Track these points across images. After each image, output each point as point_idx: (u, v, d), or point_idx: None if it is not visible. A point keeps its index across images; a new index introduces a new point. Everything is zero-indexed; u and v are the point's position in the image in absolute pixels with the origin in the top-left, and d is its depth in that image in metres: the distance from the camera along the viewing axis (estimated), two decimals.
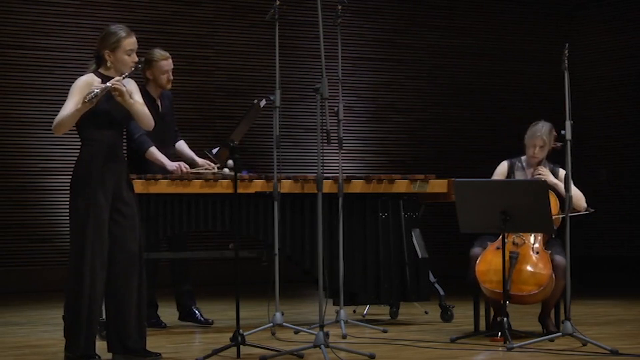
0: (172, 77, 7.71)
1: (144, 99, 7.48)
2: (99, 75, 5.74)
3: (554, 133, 7.02)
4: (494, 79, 14.20)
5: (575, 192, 6.85)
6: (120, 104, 5.69)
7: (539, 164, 7.02)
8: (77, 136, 5.78)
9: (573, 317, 6.44)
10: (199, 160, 7.63)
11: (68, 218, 5.75)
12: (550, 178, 6.94)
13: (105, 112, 5.67)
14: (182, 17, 12.37)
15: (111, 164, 5.70)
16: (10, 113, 11.42)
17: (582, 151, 13.78)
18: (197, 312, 7.79)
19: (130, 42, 5.76)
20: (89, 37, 11.61)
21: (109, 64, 5.74)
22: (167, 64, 7.66)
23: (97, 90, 5.56)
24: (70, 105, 5.61)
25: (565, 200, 6.53)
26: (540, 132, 7.00)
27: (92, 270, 5.61)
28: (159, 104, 7.71)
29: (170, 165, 7.37)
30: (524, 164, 7.12)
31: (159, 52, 7.64)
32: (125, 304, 5.72)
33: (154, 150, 7.38)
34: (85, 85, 5.66)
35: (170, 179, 7.09)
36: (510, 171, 7.12)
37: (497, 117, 13.54)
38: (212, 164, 7.53)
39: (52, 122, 5.73)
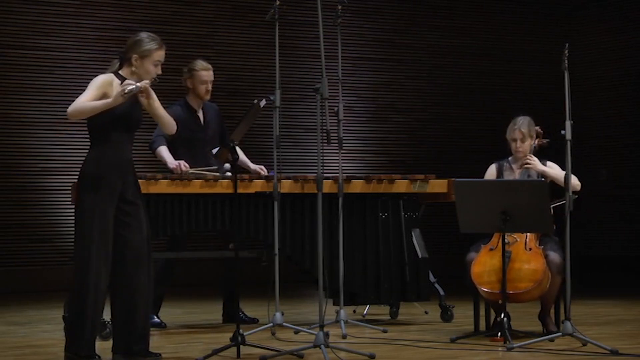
0: (210, 89, 7.82)
1: (183, 109, 7.68)
2: (119, 76, 5.75)
3: (536, 127, 7.07)
4: (494, 79, 14.21)
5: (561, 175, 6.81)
6: (138, 109, 5.74)
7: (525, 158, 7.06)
8: (78, 136, 5.79)
9: (573, 317, 6.44)
10: (252, 166, 7.77)
11: (73, 218, 5.75)
12: (539, 166, 6.97)
13: (124, 114, 5.68)
14: (182, 17, 12.37)
15: (120, 166, 5.71)
16: (10, 113, 11.42)
17: (582, 151, 13.78)
18: (241, 312, 7.77)
19: (161, 54, 5.81)
20: (89, 37, 11.63)
21: (133, 69, 5.76)
22: (207, 75, 7.80)
23: (133, 87, 5.59)
24: (88, 97, 5.61)
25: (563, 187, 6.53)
26: (518, 125, 7.06)
27: (97, 270, 5.61)
28: (201, 116, 7.82)
29: (171, 163, 7.43)
30: (512, 163, 7.14)
31: (200, 63, 7.84)
32: (132, 305, 5.71)
33: (162, 149, 7.56)
34: (106, 83, 5.68)
35: (170, 179, 7.09)
36: (499, 172, 7.14)
37: (497, 117, 13.49)
38: (264, 169, 7.69)
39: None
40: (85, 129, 5.77)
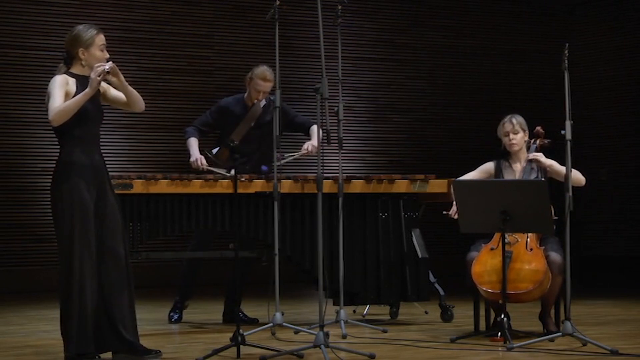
0: (260, 98, 7.81)
1: (238, 103, 7.82)
2: (71, 75, 5.77)
3: (538, 127, 7.12)
4: (494, 79, 14.20)
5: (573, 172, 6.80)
6: (97, 101, 5.78)
7: (523, 153, 7.06)
8: None
9: (573, 317, 6.44)
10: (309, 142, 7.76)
11: (52, 220, 5.75)
12: (544, 160, 6.97)
13: (83, 109, 5.68)
14: (182, 17, 12.36)
15: (92, 160, 5.72)
16: (10, 113, 11.42)
17: (582, 151, 13.78)
18: (241, 312, 7.77)
19: (102, 38, 5.84)
20: None
21: (83, 63, 5.78)
22: (263, 85, 7.78)
23: (106, 67, 5.61)
24: (59, 98, 5.63)
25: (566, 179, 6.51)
26: (507, 118, 7.09)
27: (80, 267, 5.59)
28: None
29: (192, 156, 7.65)
30: (511, 162, 7.14)
31: (260, 71, 7.79)
32: (118, 302, 5.70)
33: (192, 140, 7.76)
34: (63, 82, 5.71)
35: (170, 178, 7.09)
36: (498, 171, 7.12)
37: (497, 117, 13.50)
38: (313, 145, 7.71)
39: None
40: None
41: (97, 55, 5.78)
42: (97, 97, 5.82)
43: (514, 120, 7.09)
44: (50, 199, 5.76)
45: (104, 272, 5.71)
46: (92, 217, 5.67)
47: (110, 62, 5.73)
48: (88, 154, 5.72)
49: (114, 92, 5.92)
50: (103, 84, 5.81)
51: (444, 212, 7.02)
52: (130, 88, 5.84)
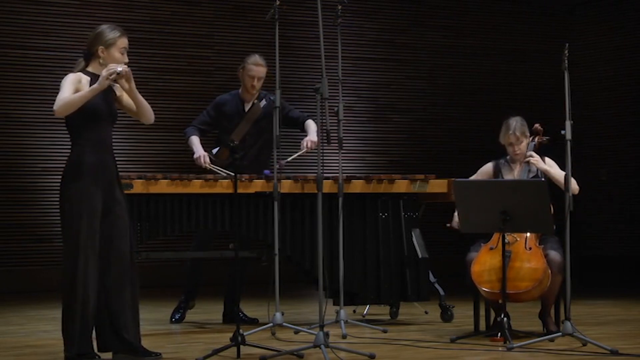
0: (256, 85, 7.83)
1: (233, 99, 7.78)
2: (87, 73, 5.76)
3: (537, 125, 7.11)
4: (494, 79, 14.20)
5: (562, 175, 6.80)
6: (111, 102, 5.76)
7: (524, 157, 7.06)
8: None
9: (573, 317, 6.44)
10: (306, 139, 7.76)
11: (59, 218, 5.75)
12: (541, 164, 6.97)
13: (94, 109, 5.68)
14: (182, 17, 12.37)
15: (102, 160, 5.72)
16: (10, 113, 11.42)
17: (582, 151, 13.78)
18: (241, 313, 7.78)
19: (125, 41, 5.84)
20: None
21: (101, 61, 5.77)
22: (256, 70, 7.82)
23: (119, 69, 5.60)
24: (68, 92, 5.62)
25: (564, 185, 6.51)
26: (512, 129, 7.06)
27: (85, 267, 5.60)
28: (246, 109, 7.87)
29: (196, 152, 7.67)
30: (510, 162, 7.14)
31: (252, 57, 7.85)
32: (119, 302, 5.71)
33: (193, 138, 7.78)
34: (76, 80, 5.70)
35: (170, 178, 7.09)
36: (497, 171, 7.13)
37: (497, 117, 13.46)
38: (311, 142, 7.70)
39: (52, 122, 5.77)
40: None
41: (116, 56, 5.77)
42: (112, 100, 5.80)
43: (517, 132, 7.04)
44: (59, 198, 5.74)
45: (107, 271, 5.71)
46: (99, 218, 5.67)
47: (127, 67, 5.71)
48: (98, 155, 5.70)
49: (128, 99, 5.88)
50: (132, 77, 5.78)
51: (447, 225, 7.05)
52: (140, 98, 5.80)
